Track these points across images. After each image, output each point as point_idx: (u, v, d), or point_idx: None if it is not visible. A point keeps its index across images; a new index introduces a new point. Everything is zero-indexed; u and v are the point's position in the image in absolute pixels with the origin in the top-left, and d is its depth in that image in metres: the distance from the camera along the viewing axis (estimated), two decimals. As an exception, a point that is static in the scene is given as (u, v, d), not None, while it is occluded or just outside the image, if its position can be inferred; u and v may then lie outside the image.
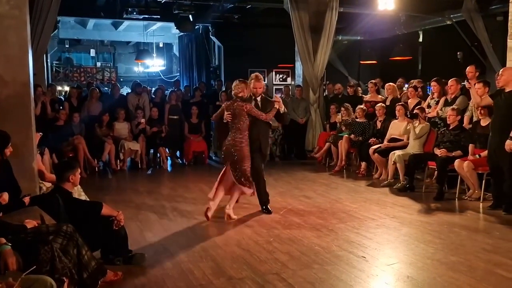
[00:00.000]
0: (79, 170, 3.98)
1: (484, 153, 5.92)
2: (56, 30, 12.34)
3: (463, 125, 6.67)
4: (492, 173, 5.80)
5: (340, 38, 12.60)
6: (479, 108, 6.19)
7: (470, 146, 6.26)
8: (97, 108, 9.22)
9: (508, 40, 5.77)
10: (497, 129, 5.57)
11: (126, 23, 14.80)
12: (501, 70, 5.60)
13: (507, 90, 5.49)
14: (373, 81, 9.39)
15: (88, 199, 4.60)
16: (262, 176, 5.63)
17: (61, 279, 2.73)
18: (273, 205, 5.98)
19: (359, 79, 13.14)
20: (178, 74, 16.60)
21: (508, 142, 5.37)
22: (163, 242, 4.60)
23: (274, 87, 13.28)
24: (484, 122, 6.11)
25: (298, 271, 3.83)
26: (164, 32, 16.01)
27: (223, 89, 10.93)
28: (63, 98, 10.70)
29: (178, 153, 10.13)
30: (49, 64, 13.76)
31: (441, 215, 5.55)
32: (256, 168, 5.52)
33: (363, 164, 8.17)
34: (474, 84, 6.65)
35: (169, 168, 9.42)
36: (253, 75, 5.79)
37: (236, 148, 5.40)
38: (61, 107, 9.04)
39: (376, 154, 7.62)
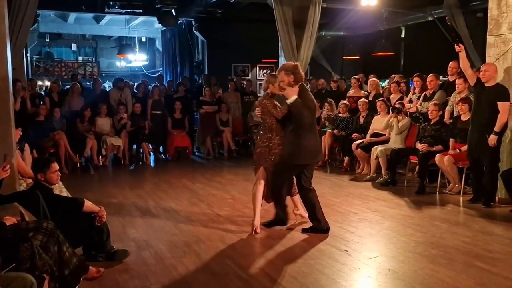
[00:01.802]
0: (54, 168, 3.84)
1: (464, 147, 6.01)
2: (36, 24, 12.12)
3: (444, 120, 6.76)
4: (472, 167, 5.90)
5: (323, 34, 12.62)
6: (459, 103, 6.28)
7: (451, 141, 6.35)
8: (79, 103, 9.11)
9: (487, 36, 5.85)
10: (477, 124, 5.66)
11: (108, 17, 14.59)
12: (484, 66, 5.64)
13: (487, 85, 5.57)
14: (356, 76, 9.46)
15: (69, 195, 4.54)
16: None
17: (41, 276, 2.70)
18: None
19: (343, 74, 13.20)
20: (161, 69, 16.47)
21: (492, 137, 5.46)
22: (146, 238, 4.57)
23: (258, 82, 13.27)
24: (465, 117, 6.20)
25: (281, 265, 3.84)
26: (146, 26, 15.84)
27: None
28: (43, 93, 10.53)
29: (161, 149, 10.07)
30: (29, 59, 13.53)
31: (422, 209, 5.63)
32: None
33: (346, 159, 8.23)
34: (454, 80, 6.75)
35: (152, 164, 9.36)
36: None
37: (274, 152, 4.70)
38: (41, 102, 8.90)
39: (359, 149, 7.69)
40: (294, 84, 4.48)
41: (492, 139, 5.47)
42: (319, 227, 4.65)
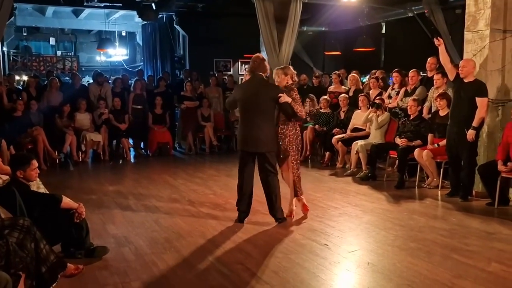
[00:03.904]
0: (34, 166, 3.78)
1: (443, 142, 6.10)
2: (13, 18, 11.86)
3: (423, 115, 6.85)
4: (450, 162, 5.99)
5: (305, 29, 12.65)
6: (438, 99, 6.37)
7: (429, 136, 6.44)
8: (57, 99, 8.96)
9: (465, 32, 5.93)
10: (457, 118, 5.74)
11: (87, 11, 14.36)
12: (462, 62, 5.72)
13: (466, 80, 5.65)
14: (337, 72, 9.51)
15: (47, 192, 4.46)
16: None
17: (17, 274, 2.66)
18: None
19: (324, 70, 13.25)
20: (142, 63, 16.29)
21: (470, 131, 5.56)
22: (126, 234, 4.53)
23: (240, 77, 13.23)
24: (443, 112, 6.29)
25: (262, 260, 3.86)
26: (126, 20, 15.64)
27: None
28: (21, 88, 10.33)
29: (142, 144, 9.98)
30: (5, 53, 13.25)
31: (402, 203, 5.71)
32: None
33: (327, 154, 8.28)
34: (433, 76, 6.84)
35: (132, 160, 9.28)
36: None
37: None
38: (19, 98, 8.72)
39: (339, 143, 7.75)
40: (249, 73, 4.93)
41: (470, 134, 5.56)
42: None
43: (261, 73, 4.85)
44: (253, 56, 4.99)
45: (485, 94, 5.56)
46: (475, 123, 5.56)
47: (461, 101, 5.68)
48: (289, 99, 4.77)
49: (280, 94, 4.73)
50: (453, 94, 5.92)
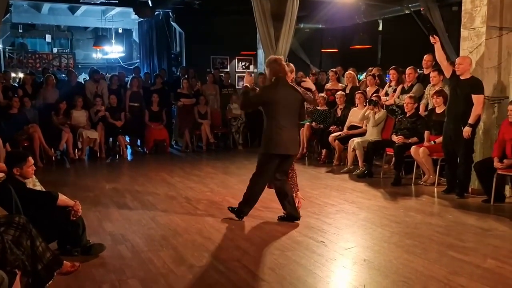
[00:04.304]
0: (30, 163, 3.78)
1: (439, 139, 6.11)
2: (8, 14, 11.81)
3: (419, 112, 6.86)
4: (446, 159, 6.01)
5: (302, 26, 12.64)
6: (434, 96, 6.38)
7: (426, 133, 6.45)
8: (54, 96, 8.95)
9: (461, 29, 5.94)
10: (453, 115, 5.75)
11: (83, 7, 14.30)
12: (459, 59, 5.73)
13: (462, 77, 5.67)
14: (334, 69, 9.50)
15: (43, 189, 4.45)
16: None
17: (13, 272, 2.64)
18: (236, 193, 6.00)
19: (321, 67, 13.25)
20: (138, 61, 16.25)
21: (466, 128, 5.57)
22: (122, 231, 4.52)
23: (237, 74, 13.22)
24: (439, 110, 6.30)
25: (259, 257, 3.86)
26: (123, 17, 15.59)
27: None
28: (17, 85, 10.29)
29: (138, 142, 9.96)
30: (1, 50, 13.19)
31: (398, 200, 5.72)
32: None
33: (324, 151, 8.29)
34: (429, 73, 6.85)
35: (129, 157, 9.26)
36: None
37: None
38: (15, 95, 8.69)
39: (336, 141, 7.75)
40: (271, 77, 4.68)
41: (466, 131, 5.58)
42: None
43: (282, 75, 4.70)
44: (270, 59, 4.77)
45: (481, 91, 5.57)
46: (471, 120, 5.57)
47: (457, 98, 5.69)
48: (312, 86, 4.97)
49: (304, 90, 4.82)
50: (449, 91, 5.93)
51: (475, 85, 5.59)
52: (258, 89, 5.15)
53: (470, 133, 5.59)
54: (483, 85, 5.61)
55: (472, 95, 5.55)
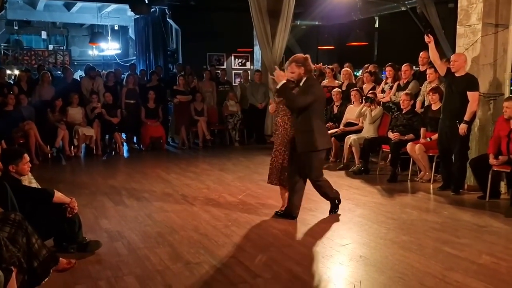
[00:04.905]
0: (26, 160, 3.77)
1: (435, 136, 6.13)
2: (4, 11, 11.72)
3: (415, 109, 6.87)
4: (442, 156, 6.03)
5: (298, 23, 12.63)
6: (430, 93, 6.39)
7: (422, 130, 6.47)
8: (49, 93, 8.91)
9: (457, 26, 5.95)
10: (449, 112, 5.77)
11: (79, 4, 14.25)
12: (454, 56, 5.75)
13: (458, 75, 5.68)
14: (331, 66, 9.50)
15: (39, 187, 4.44)
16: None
17: (8, 269, 2.64)
18: (232, 190, 6.03)
19: (318, 64, 13.24)
20: (134, 57, 16.21)
21: (462, 125, 5.58)
22: (118, 228, 4.52)
23: (233, 71, 13.21)
24: (435, 107, 6.31)
25: (255, 254, 3.86)
26: (119, 14, 15.52)
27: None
28: (12, 82, 10.24)
29: (135, 139, 9.94)
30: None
31: (394, 197, 5.74)
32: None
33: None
34: (425, 70, 6.86)
35: (125, 154, 9.24)
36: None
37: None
38: (10, 92, 8.65)
39: (332, 138, 7.75)
40: (303, 76, 4.62)
41: (462, 128, 5.60)
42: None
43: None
44: (299, 57, 4.70)
45: (476, 88, 5.59)
46: (466, 117, 5.58)
47: (453, 95, 5.71)
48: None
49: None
50: (445, 89, 5.94)
51: (470, 82, 5.60)
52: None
53: (466, 130, 5.60)
54: (479, 82, 5.62)
55: (468, 92, 5.57)
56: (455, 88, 5.68)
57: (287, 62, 4.89)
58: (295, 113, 4.65)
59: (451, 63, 5.73)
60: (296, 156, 4.71)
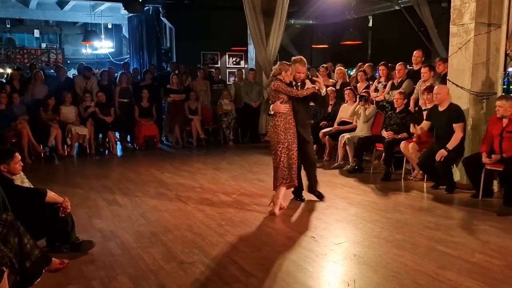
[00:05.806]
0: (17, 159, 3.74)
1: (424, 123, 6.11)
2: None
3: (409, 108, 6.89)
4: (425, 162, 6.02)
5: (292, 22, 12.64)
6: (424, 92, 6.41)
7: (411, 126, 6.41)
8: (42, 92, 8.85)
9: (450, 25, 5.97)
10: (442, 143, 5.78)
11: (72, 2, 14.17)
12: (436, 89, 5.85)
13: (441, 109, 5.80)
14: (325, 65, 9.51)
15: (31, 186, 4.41)
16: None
17: (0, 269, 2.62)
18: (226, 189, 6.01)
19: (312, 63, 13.26)
20: (128, 56, 16.15)
21: (442, 151, 5.63)
22: (112, 228, 4.50)
23: (228, 70, 13.19)
24: (430, 106, 6.31)
25: (249, 253, 3.86)
26: (112, 12, 15.46)
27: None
28: (4, 81, 10.16)
29: (128, 138, 9.90)
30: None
31: (388, 195, 5.75)
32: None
33: (315, 146, 8.26)
34: (419, 69, 6.88)
35: (119, 153, 9.21)
36: (298, 57, 5.20)
37: (269, 132, 5.14)
38: (2, 91, 8.58)
39: (327, 137, 7.77)
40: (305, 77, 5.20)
41: (441, 153, 5.63)
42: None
43: None
44: (302, 58, 5.21)
45: (461, 120, 5.70)
46: (450, 146, 5.64)
47: (442, 129, 5.81)
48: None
49: None
50: (432, 122, 5.99)
51: (454, 114, 5.70)
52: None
53: (444, 156, 5.62)
54: (472, 80, 5.65)
55: (453, 124, 5.66)
56: (443, 122, 5.77)
57: (292, 63, 5.10)
58: (302, 111, 5.20)
59: (434, 95, 5.84)
60: (304, 147, 5.18)
